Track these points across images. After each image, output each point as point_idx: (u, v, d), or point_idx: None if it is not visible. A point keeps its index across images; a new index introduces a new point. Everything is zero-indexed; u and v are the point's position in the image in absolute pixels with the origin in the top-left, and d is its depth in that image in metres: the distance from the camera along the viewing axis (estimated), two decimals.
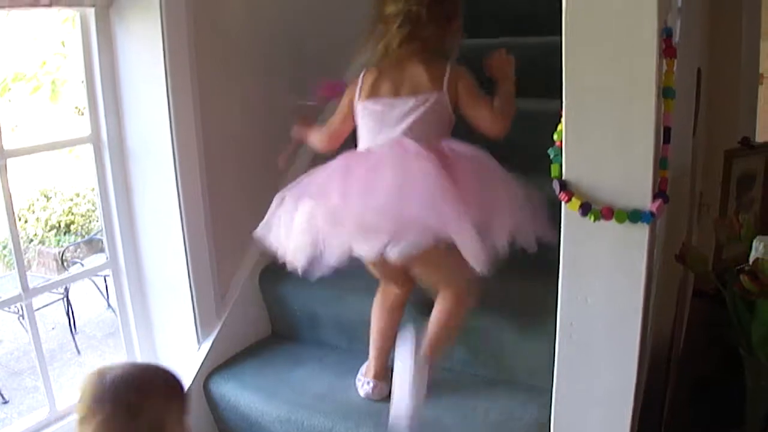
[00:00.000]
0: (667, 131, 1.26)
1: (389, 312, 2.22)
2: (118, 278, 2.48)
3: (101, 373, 1.47)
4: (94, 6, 2.25)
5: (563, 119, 1.25)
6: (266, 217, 2.09)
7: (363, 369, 2.25)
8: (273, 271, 2.53)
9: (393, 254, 1.89)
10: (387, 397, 2.07)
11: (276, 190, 2.12)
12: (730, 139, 2.98)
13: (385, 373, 2.17)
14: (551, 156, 1.30)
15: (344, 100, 2.15)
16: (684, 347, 2.16)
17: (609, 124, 1.23)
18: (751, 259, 1.77)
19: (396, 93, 2.02)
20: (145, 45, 2.25)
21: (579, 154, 1.26)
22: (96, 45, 2.30)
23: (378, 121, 2.04)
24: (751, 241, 1.81)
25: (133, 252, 2.47)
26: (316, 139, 2.27)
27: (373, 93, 2.05)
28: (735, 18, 3.68)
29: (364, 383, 2.20)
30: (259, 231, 2.09)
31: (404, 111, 1.99)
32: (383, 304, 2.23)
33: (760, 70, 3.78)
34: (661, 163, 1.26)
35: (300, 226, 2.01)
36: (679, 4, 1.93)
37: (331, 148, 2.22)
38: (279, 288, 2.59)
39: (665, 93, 1.26)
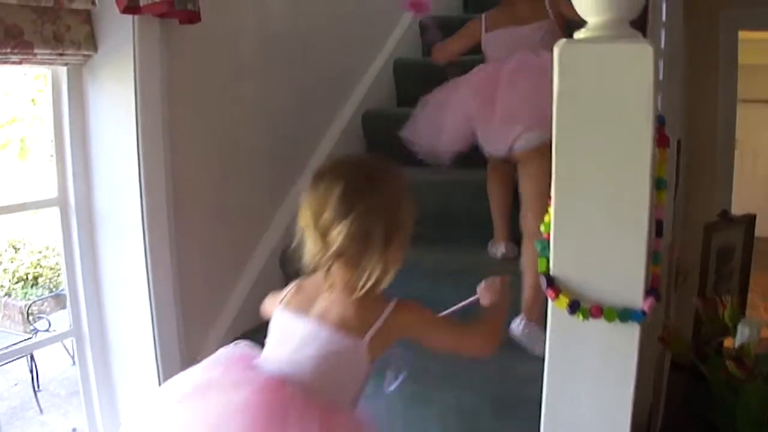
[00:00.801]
0: (660, 224, 1.21)
1: (501, 186, 2.61)
2: (81, 345, 2.38)
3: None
4: (66, 65, 2.20)
5: (551, 210, 1.20)
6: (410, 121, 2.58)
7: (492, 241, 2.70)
8: (248, 338, 2.43)
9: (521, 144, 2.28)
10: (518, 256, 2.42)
11: (250, 252, 2.08)
12: (708, 209, 2.97)
13: (509, 235, 2.63)
14: (538, 249, 1.24)
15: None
16: (663, 423, 2.12)
17: (600, 217, 1.17)
18: (736, 344, 1.75)
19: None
20: (118, 106, 2.19)
21: (568, 248, 1.20)
22: (67, 104, 2.24)
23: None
24: (735, 323, 1.78)
25: (98, 318, 2.37)
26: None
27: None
28: (712, 86, 3.69)
29: (497, 247, 2.66)
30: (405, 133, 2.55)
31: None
32: (495, 180, 2.63)
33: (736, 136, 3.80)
34: (653, 257, 1.21)
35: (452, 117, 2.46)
36: (660, 77, 1.90)
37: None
38: None
39: (658, 184, 1.21)
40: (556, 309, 1.21)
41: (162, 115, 2.23)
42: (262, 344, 1.66)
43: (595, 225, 1.18)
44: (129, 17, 2.10)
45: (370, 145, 3.30)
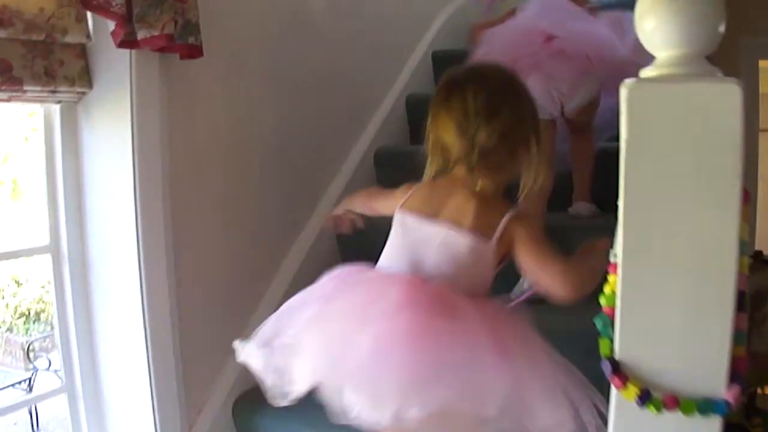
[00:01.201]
0: (742, 296, 1.02)
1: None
2: (74, 403, 2.20)
3: None
4: (59, 102, 2.04)
5: (618, 282, 1.01)
6: None
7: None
8: (249, 400, 2.29)
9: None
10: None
11: (258, 299, 1.94)
12: None
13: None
14: (598, 326, 1.05)
15: None
16: None
17: (676, 288, 0.98)
18: None
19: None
20: (114, 147, 2.03)
21: (636, 326, 1.00)
22: (60, 145, 2.09)
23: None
24: None
25: (92, 373, 2.19)
26: None
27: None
28: None
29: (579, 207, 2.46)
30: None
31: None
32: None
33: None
34: (736, 337, 1.01)
35: None
36: None
37: None
38: (255, 420, 2.29)
39: (741, 249, 1.02)
40: (622, 400, 1.01)
41: (161, 157, 2.06)
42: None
43: (669, 298, 0.98)
44: (126, 52, 1.94)
45: (381, 183, 3.13)
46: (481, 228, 1.55)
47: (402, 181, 2.54)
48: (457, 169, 1.60)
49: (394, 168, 3.09)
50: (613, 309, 1.03)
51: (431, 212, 1.61)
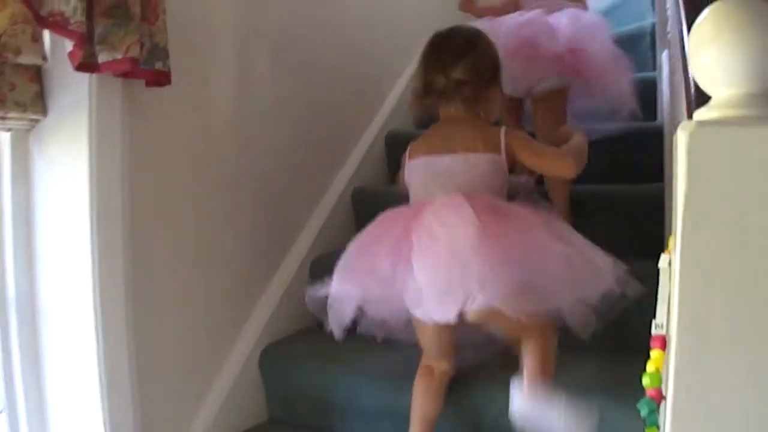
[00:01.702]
0: None
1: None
2: None
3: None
4: (9, 130, 1.85)
5: (669, 361, 0.83)
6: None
7: None
8: None
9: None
10: None
11: (227, 352, 2.05)
12: None
13: None
14: (642, 413, 0.87)
15: None
16: None
17: (739, 371, 0.81)
18: None
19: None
20: (69, 181, 1.84)
21: (692, 414, 0.83)
22: (9, 177, 1.89)
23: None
24: None
25: None
26: None
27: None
28: None
29: None
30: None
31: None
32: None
33: None
34: None
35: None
36: None
37: None
38: None
39: None
40: None
41: (122, 193, 1.87)
42: None
43: (733, 381, 0.81)
44: (85, 76, 1.76)
45: (359, 224, 2.97)
46: (491, 147, 1.90)
47: None
48: (443, 110, 1.99)
49: (373, 208, 2.94)
50: (659, 391, 0.85)
51: (443, 149, 1.93)
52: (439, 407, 1.93)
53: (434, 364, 1.96)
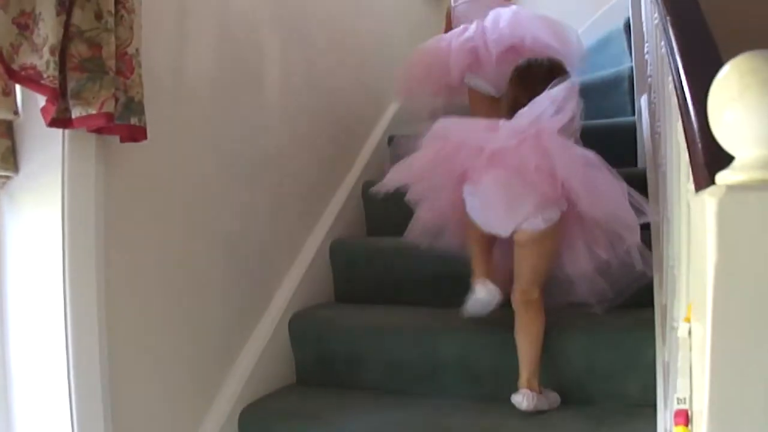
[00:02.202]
0: None
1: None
2: None
3: None
4: None
5: None
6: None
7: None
8: None
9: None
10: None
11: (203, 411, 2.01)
12: None
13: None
14: None
15: None
16: None
17: None
18: None
19: None
20: (41, 241, 1.76)
21: None
22: None
23: None
24: None
25: None
26: None
27: None
28: None
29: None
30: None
31: None
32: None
33: None
34: None
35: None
36: None
37: None
38: None
39: None
40: None
41: (96, 253, 1.80)
42: None
43: None
44: (58, 132, 1.70)
45: (337, 280, 2.91)
46: None
47: (360, 279, 2.77)
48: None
49: (351, 260, 2.89)
50: None
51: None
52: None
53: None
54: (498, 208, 2.13)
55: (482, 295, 2.20)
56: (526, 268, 2.18)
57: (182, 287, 2.15)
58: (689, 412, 0.86)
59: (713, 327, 0.75)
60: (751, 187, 0.75)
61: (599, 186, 2.08)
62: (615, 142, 3.04)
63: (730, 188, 0.74)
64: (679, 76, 1.25)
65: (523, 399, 2.05)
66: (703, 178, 0.89)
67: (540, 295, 2.17)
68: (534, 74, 2.34)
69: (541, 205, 2.08)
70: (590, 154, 2.12)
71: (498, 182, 2.11)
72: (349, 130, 3.32)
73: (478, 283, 2.21)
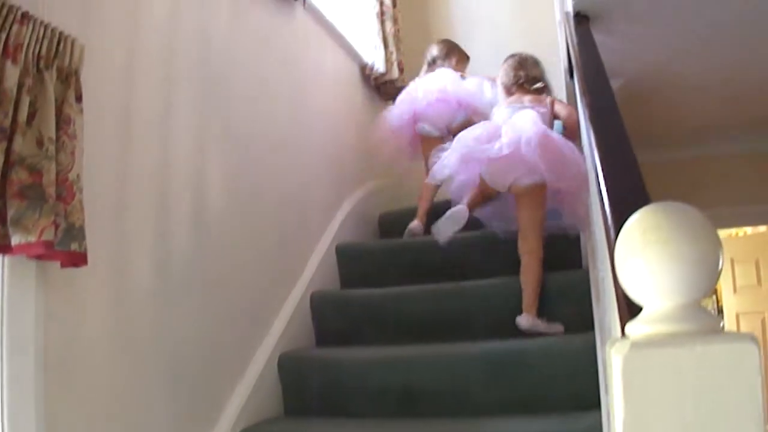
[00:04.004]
0: None
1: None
2: None
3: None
4: None
5: None
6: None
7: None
8: None
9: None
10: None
11: None
12: None
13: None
14: None
15: None
16: None
17: None
18: None
19: None
20: None
21: None
22: None
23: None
24: None
25: None
26: None
27: None
28: None
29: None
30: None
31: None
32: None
33: None
34: None
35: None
36: None
37: None
38: None
39: None
40: None
41: (35, 380, 1.76)
42: None
43: None
44: None
45: (287, 393, 2.88)
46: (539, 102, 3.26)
47: (309, 390, 2.76)
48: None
49: (300, 374, 2.86)
50: None
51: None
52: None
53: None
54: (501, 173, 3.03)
55: (454, 210, 3.03)
56: (523, 216, 3.03)
57: (126, 405, 2.10)
58: None
59: None
60: (655, 342, 0.77)
61: (566, 168, 2.94)
62: (560, 246, 3.11)
63: (635, 344, 0.76)
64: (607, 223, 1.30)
65: (523, 320, 2.83)
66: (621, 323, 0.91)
67: (538, 247, 2.96)
68: (526, 68, 3.38)
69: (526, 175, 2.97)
70: (565, 146, 3.01)
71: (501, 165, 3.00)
72: (296, 240, 3.33)
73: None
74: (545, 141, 2.94)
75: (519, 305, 2.86)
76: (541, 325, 2.82)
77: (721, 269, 0.81)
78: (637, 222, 0.82)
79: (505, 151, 2.92)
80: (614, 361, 0.76)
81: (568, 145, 3.00)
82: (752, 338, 0.75)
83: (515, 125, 3.03)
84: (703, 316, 0.79)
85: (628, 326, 0.82)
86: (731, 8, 2.86)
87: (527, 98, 3.28)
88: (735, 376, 0.74)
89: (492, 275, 3.10)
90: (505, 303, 2.91)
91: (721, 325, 0.80)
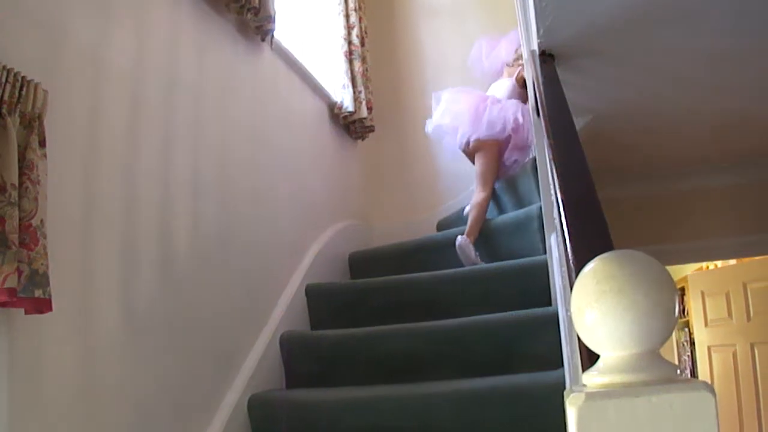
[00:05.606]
0: None
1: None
2: None
3: None
4: None
5: None
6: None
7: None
8: None
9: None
10: None
11: None
12: None
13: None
14: None
15: None
16: None
17: None
18: None
19: None
20: None
21: None
22: None
23: None
24: None
25: None
26: None
27: None
28: None
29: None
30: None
31: None
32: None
33: None
34: None
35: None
36: None
37: None
38: None
39: None
40: None
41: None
42: None
43: None
44: None
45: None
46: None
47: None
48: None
49: (272, 419, 2.84)
50: None
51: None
52: None
53: None
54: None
55: (458, 245, 3.73)
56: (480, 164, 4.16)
57: None
58: None
59: None
60: (611, 393, 0.77)
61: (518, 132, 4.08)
62: (529, 283, 3.10)
63: (590, 395, 0.77)
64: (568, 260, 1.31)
65: (462, 239, 3.72)
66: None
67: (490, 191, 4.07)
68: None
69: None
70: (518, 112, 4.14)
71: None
72: (265, 282, 3.31)
73: None
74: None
75: (490, 344, 2.86)
76: (472, 253, 3.67)
77: (677, 318, 0.82)
78: (591, 271, 0.83)
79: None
80: (569, 412, 0.76)
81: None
82: (707, 386, 0.76)
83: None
84: (660, 364, 0.80)
85: (585, 376, 0.82)
86: (699, 49, 2.87)
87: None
88: (691, 425, 0.75)
89: (463, 313, 3.07)
90: (476, 343, 2.90)
91: (678, 372, 0.81)
